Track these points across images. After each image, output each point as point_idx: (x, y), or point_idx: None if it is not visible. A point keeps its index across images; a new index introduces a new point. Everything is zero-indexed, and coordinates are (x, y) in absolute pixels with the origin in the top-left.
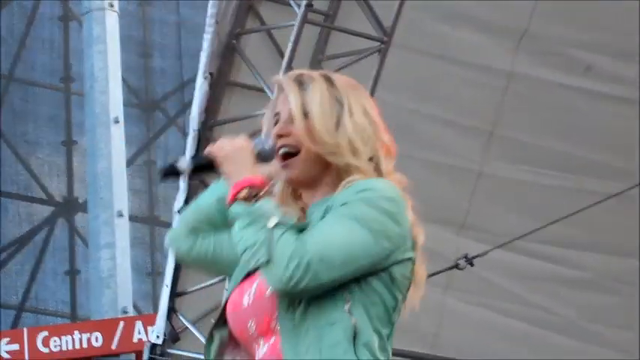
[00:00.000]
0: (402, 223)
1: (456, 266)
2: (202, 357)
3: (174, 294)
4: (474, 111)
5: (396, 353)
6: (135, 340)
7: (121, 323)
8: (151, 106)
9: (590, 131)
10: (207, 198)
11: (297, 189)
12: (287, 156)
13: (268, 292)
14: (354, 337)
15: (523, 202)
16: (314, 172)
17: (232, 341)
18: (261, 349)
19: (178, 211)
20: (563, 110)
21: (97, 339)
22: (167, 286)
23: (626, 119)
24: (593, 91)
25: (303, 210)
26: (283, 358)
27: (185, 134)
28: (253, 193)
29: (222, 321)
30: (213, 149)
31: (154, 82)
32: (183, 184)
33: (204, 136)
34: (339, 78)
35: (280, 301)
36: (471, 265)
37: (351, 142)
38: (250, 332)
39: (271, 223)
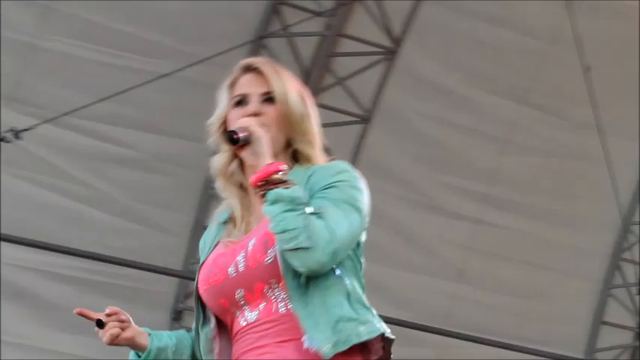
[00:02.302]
0: (368, 197)
1: (2, 139)
2: None
3: None
4: None
5: None
6: None
7: None
8: None
9: (152, 12)
10: None
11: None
12: None
13: (268, 260)
14: (349, 296)
15: (77, 78)
16: (275, 148)
17: (219, 337)
18: (249, 314)
19: None
20: None
21: None
22: None
23: None
24: None
25: (242, 185)
26: (297, 316)
27: None
28: (284, 179)
29: (202, 317)
30: (253, 128)
31: None
32: None
33: None
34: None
35: (286, 271)
36: (18, 138)
37: (316, 134)
38: (237, 300)
39: (308, 210)
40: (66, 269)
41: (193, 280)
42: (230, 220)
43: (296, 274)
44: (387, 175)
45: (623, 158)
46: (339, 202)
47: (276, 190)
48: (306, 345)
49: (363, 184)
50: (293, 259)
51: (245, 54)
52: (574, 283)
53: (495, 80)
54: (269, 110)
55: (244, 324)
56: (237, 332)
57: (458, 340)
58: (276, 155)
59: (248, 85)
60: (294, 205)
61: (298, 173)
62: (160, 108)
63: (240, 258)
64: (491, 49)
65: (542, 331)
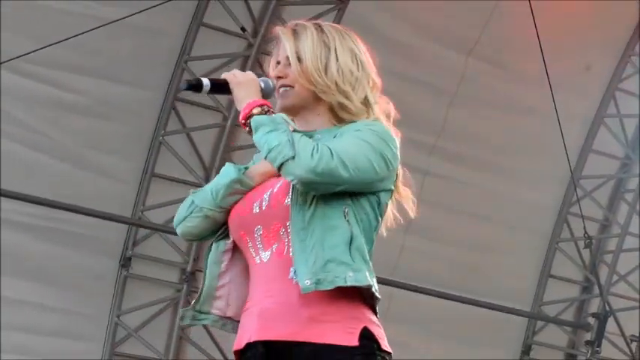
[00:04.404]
0: (397, 159)
1: None
2: None
3: None
4: None
5: None
6: None
7: None
8: None
9: None
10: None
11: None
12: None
13: (287, 200)
14: (350, 241)
15: (28, 23)
16: (305, 103)
17: (232, 254)
18: (263, 253)
19: None
20: None
21: None
22: None
23: None
24: None
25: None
26: (291, 250)
27: None
28: (265, 110)
29: (223, 234)
30: (228, 76)
31: None
32: None
33: None
34: (329, 26)
35: (293, 203)
36: None
37: (338, 83)
38: (255, 237)
39: (291, 127)
40: (15, 215)
41: (142, 227)
42: None
43: (302, 208)
44: None
45: (572, 113)
46: (356, 138)
47: (254, 117)
48: (289, 276)
49: (392, 142)
50: (285, 174)
51: (194, 3)
52: (522, 236)
53: (445, 32)
54: (288, 72)
55: (258, 262)
56: (251, 268)
57: (405, 291)
58: (307, 107)
59: (276, 54)
60: (275, 125)
61: (326, 131)
62: (110, 54)
63: (266, 196)
64: (441, 1)
65: (490, 284)
